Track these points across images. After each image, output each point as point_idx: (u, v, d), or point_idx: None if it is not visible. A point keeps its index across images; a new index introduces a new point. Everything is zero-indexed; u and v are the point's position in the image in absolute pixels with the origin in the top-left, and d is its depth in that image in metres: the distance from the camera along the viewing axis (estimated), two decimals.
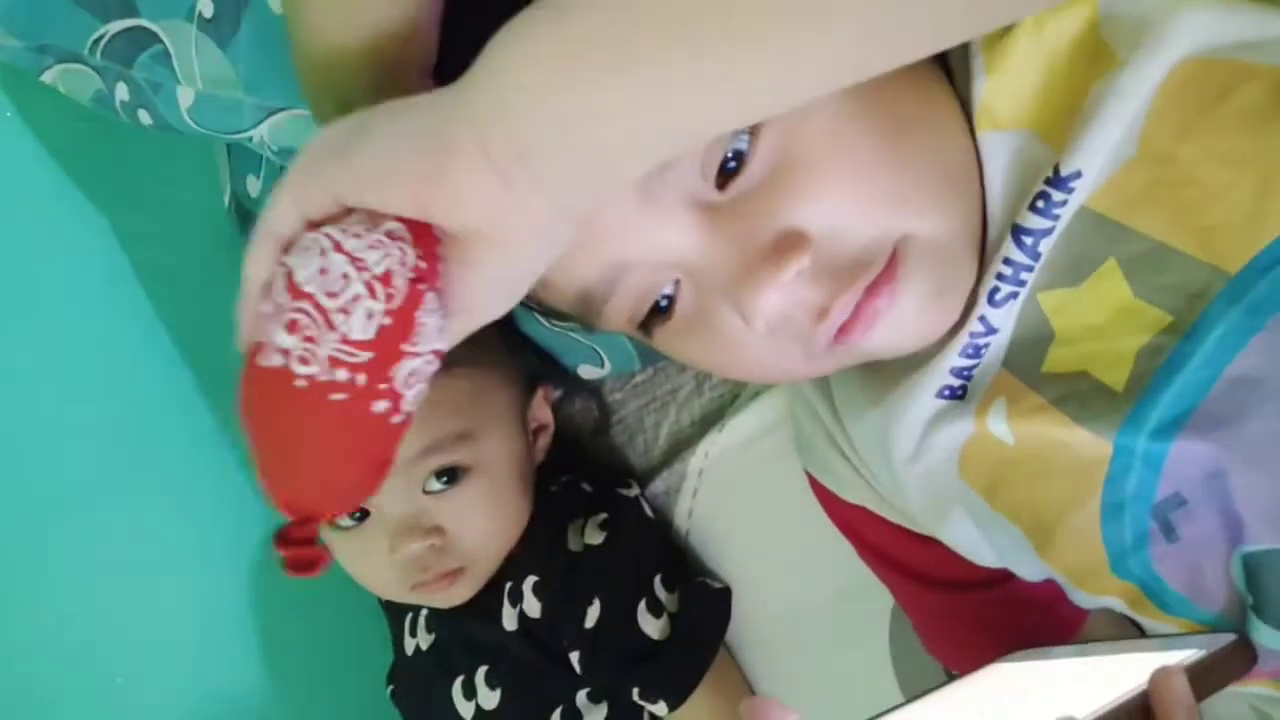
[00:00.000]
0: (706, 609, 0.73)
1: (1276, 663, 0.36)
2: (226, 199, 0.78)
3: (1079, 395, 0.38)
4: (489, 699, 0.73)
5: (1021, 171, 0.38)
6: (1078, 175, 0.36)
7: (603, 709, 0.71)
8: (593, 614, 0.69)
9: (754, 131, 0.35)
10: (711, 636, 0.72)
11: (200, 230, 0.79)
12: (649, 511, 0.75)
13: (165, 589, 0.75)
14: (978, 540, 0.45)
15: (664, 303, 0.40)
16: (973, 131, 0.40)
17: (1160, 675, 0.32)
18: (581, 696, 0.72)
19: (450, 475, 0.67)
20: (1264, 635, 0.36)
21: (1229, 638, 0.35)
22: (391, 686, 0.82)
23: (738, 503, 0.72)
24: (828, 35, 0.27)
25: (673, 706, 0.70)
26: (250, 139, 0.61)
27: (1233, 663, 0.35)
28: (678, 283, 0.39)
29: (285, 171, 0.36)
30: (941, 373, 0.41)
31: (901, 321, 0.38)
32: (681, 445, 0.73)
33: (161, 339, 0.77)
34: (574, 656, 0.70)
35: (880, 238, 0.36)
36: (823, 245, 0.36)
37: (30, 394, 0.69)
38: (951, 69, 0.41)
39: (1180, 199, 0.35)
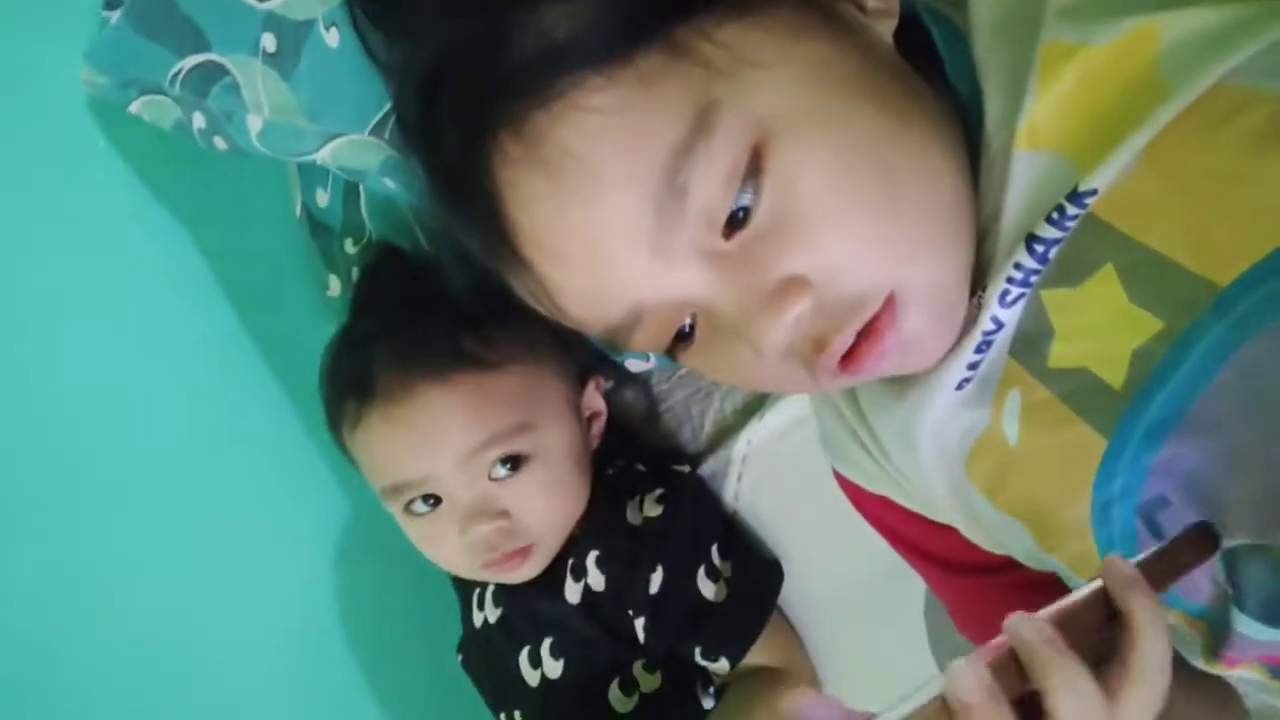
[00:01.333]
0: (759, 573, 0.76)
1: (1258, 650, 0.38)
2: (298, 210, 0.84)
3: (1084, 390, 0.40)
4: (554, 669, 0.78)
5: (1043, 188, 0.39)
6: (1093, 193, 0.38)
7: (657, 678, 0.75)
8: (656, 580, 0.73)
9: (757, 188, 0.38)
10: (766, 597, 0.76)
11: (275, 241, 0.85)
12: (702, 486, 0.79)
13: (256, 580, 0.82)
14: (987, 535, 0.48)
15: (687, 328, 0.43)
16: (973, 154, 0.42)
17: (1109, 560, 0.35)
18: (638, 666, 0.76)
19: (513, 463, 0.72)
20: (1244, 625, 0.37)
21: (1184, 532, 0.37)
22: (461, 656, 0.87)
23: (779, 487, 0.75)
24: None
25: (733, 662, 0.74)
26: (315, 160, 0.66)
27: (1192, 549, 0.36)
28: (694, 315, 0.43)
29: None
30: (959, 368, 0.43)
31: (904, 354, 0.41)
32: (725, 433, 0.77)
33: (245, 344, 0.83)
34: (639, 623, 0.74)
35: (876, 284, 0.39)
36: (821, 289, 0.39)
37: (122, 405, 0.75)
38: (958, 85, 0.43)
39: (1179, 212, 0.36)
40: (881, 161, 0.38)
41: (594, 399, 0.79)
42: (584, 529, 0.77)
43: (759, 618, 0.75)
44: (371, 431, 0.72)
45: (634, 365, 0.79)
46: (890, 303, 0.39)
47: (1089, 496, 0.40)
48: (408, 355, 0.71)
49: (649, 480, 0.79)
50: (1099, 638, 0.35)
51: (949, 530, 0.52)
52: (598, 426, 0.80)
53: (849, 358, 0.40)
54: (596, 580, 0.75)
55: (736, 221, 0.39)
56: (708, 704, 0.75)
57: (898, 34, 0.43)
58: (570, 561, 0.77)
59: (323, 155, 0.65)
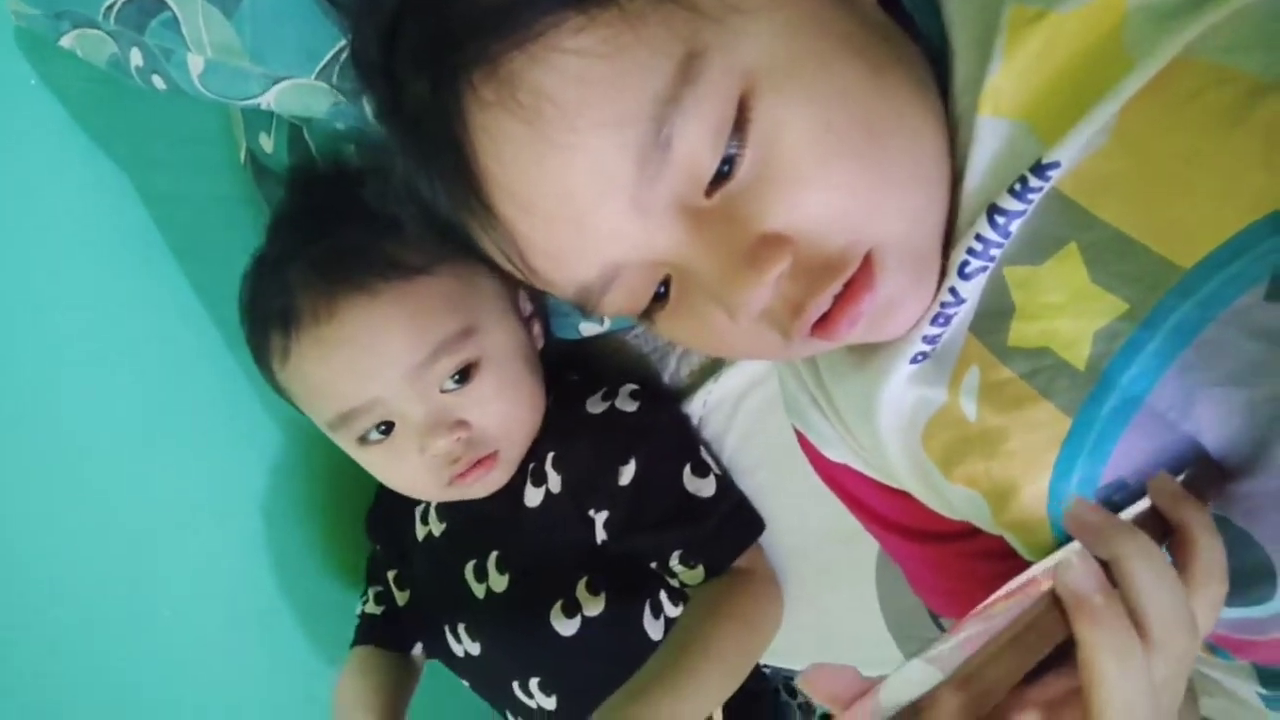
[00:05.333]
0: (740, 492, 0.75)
1: None
2: (243, 155, 0.80)
3: (1046, 370, 0.40)
4: (499, 582, 0.76)
5: (1007, 157, 0.39)
6: (1056, 165, 0.37)
7: (601, 600, 0.74)
8: (627, 473, 0.71)
9: (742, 141, 0.37)
10: (757, 514, 0.74)
11: (218, 186, 0.82)
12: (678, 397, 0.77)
13: (198, 526, 0.80)
14: (944, 503, 0.48)
15: (660, 290, 0.42)
16: (948, 115, 0.41)
17: (1156, 478, 0.35)
18: (581, 586, 0.74)
19: (462, 373, 0.69)
20: None
21: (1193, 467, 0.37)
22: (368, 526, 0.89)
23: (736, 446, 0.75)
24: None
25: (713, 571, 0.72)
26: (260, 105, 0.63)
27: (1205, 482, 0.36)
28: (668, 276, 0.41)
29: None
30: (915, 340, 0.43)
31: (880, 319, 0.40)
32: (682, 394, 0.76)
33: (185, 291, 0.80)
34: (600, 519, 0.72)
35: (855, 243, 0.38)
36: (801, 249, 0.38)
37: (60, 355, 0.72)
38: (939, 43, 0.42)
39: (1144, 191, 0.36)
40: (865, 116, 0.37)
41: (524, 301, 0.76)
42: (543, 432, 0.75)
43: (750, 530, 0.73)
44: (304, 359, 0.68)
45: (587, 329, 0.77)
46: (867, 263, 0.38)
47: (1049, 474, 0.40)
48: (327, 270, 0.66)
49: (617, 380, 0.76)
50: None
51: (906, 497, 0.52)
52: (538, 327, 0.77)
53: (824, 322, 0.39)
54: (554, 482, 0.74)
55: (720, 176, 0.37)
56: (655, 634, 0.74)
57: None
58: (531, 466, 0.75)
59: (268, 99, 0.62)
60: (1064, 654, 0.33)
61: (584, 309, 0.43)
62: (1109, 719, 0.31)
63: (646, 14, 0.36)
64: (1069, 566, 0.33)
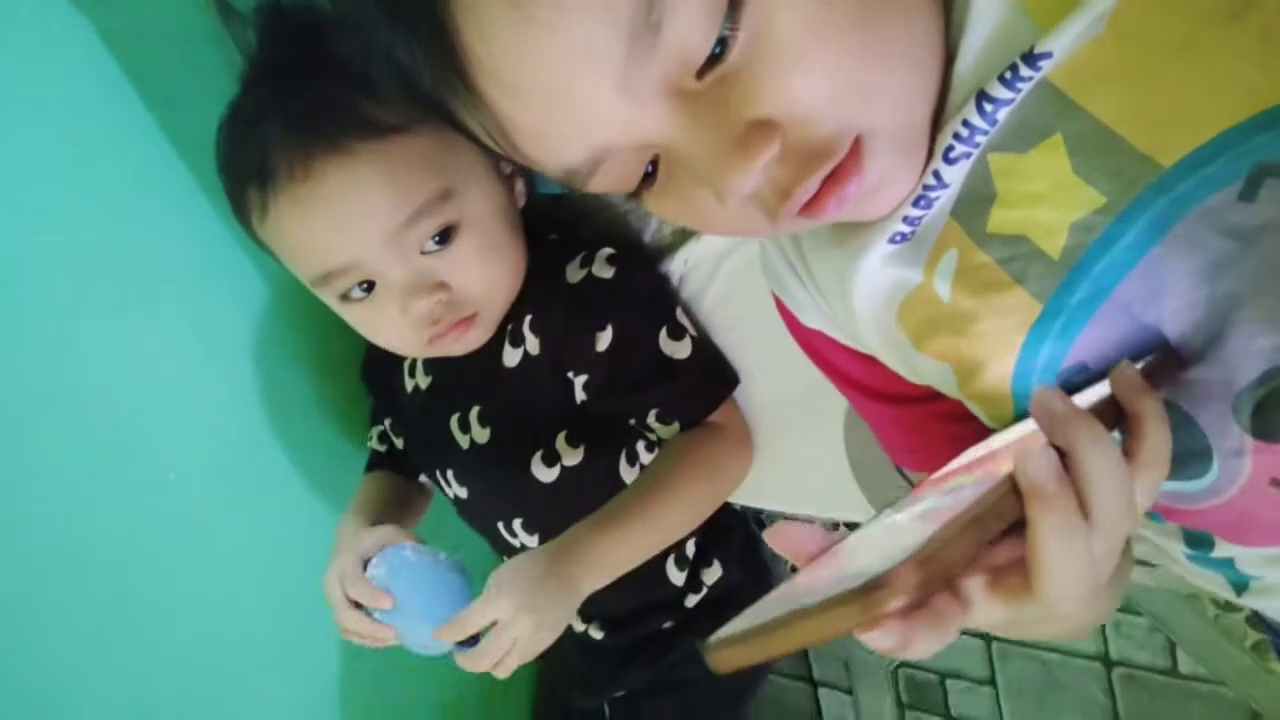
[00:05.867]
0: (716, 348, 0.77)
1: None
2: None
3: (1022, 257, 0.41)
4: (481, 435, 0.79)
5: (1001, 40, 0.39)
6: (1049, 56, 0.37)
7: (580, 451, 0.77)
8: (604, 339, 0.73)
9: (735, 23, 0.36)
10: (726, 363, 0.76)
11: (182, 23, 0.77)
12: (655, 257, 0.77)
13: (190, 382, 0.80)
14: (914, 372, 0.50)
15: (650, 170, 0.42)
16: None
17: (1119, 367, 0.37)
18: (561, 438, 0.77)
19: (443, 234, 0.69)
20: None
21: (1154, 355, 0.39)
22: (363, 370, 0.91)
23: (714, 303, 0.77)
24: None
25: (687, 426, 0.75)
26: None
27: (1164, 371, 0.38)
28: (656, 157, 0.41)
29: None
30: (895, 220, 0.44)
31: (865, 200, 0.41)
32: (664, 252, 0.77)
33: (152, 132, 0.77)
34: (579, 382, 0.75)
35: (845, 128, 0.38)
36: (790, 133, 0.38)
37: (33, 200, 0.70)
38: None
39: (1133, 84, 0.36)
40: None
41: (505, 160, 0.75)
42: (522, 294, 0.75)
43: (725, 385, 0.76)
44: (281, 219, 0.67)
45: None
46: (856, 146, 0.39)
47: (1015, 356, 0.42)
48: (303, 128, 0.65)
49: (595, 244, 0.77)
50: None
51: (875, 362, 0.54)
52: (520, 185, 0.76)
53: (810, 203, 0.40)
54: (533, 345, 0.75)
55: (712, 58, 0.37)
56: (631, 480, 0.77)
57: None
58: (509, 327, 0.76)
59: None
60: (1014, 525, 0.36)
61: (571, 187, 0.43)
62: (1049, 588, 0.34)
63: None
64: (1030, 456, 0.35)
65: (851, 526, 0.78)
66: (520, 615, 0.66)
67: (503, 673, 0.69)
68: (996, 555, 0.36)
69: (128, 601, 0.75)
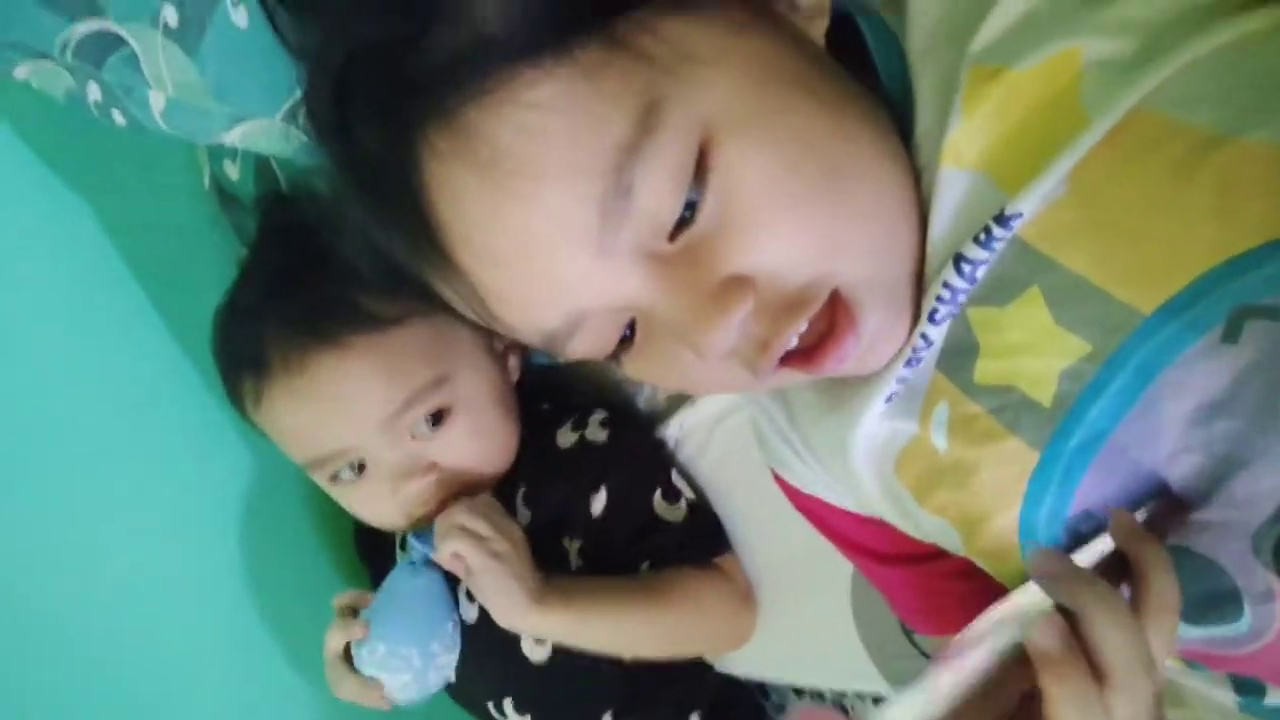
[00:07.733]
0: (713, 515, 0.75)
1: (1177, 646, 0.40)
2: (206, 181, 0.79)
3: (1012, 407, 0.41)
4: (470, 612, 0.76)
5: (970, 206, 0.40)
6: (1019, 216, 0.38)
7: None
8: (598, 502, 0.72)
9: (702, 187, 0.37)
10: (725, 536, 0.74)
11: (182, 212, 0.80)
12: (648, 420, 0.77)
13: (171, 547, 0.79)
14: (917, 529, 0.49)
15: (628, 333, 0.42)
16: (914, 166, 0.41)
17: (1115, 514, 0.37)
18: None
19: (435, 418, 0.69)
20: None
21: (1155, 501, 0.38)
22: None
23: (710, 469, 0.76)
24: None
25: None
26: (224, 144, 0.62)
27: (1167, 518, 0.38)
28: (634, 319, 0.42)
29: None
30: (889, 381, 0.44)
31: (865, 355, 0.41)
32: (659, 418, 0.77)
33: (151, 318, 0.78)
34: (573, 549, 0.73)
35: (819, 279, 0.39)
36: (764, 288, 0.38)
37: (29, 384, 0.70)
38: (900, 99, 0.42)
39: (1101, 240, 0.37)
40: (824, 157, 0.38)
41: (499, 338, 0.75)
42: (514, 465, 0.75)
43: (719, 542, 0.74)
44: (275, 407, 0.69)
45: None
46: (843, 302, 0.39)
47: (1018, 506, 0.42)
48: (299, 323, 0.67)
49: (587, 408, 0.77)
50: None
51: (878, 524, 0.53)
52: (514, 360, 0.77)
53: (811, 358, 0.40)
54: (524, 518, 0.74)
55: (682, 222, 0.38)
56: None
57: (828, 36, 0.43)
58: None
59: (232, 138, 0.61)
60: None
61: (551, 353, 0.44)
62: None
63: (602, 67, 0.36)
64: (1035, 625, 0.35)
65: (862, 698, 0.75)
66: (476, 551, 0.66)
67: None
68: None
69: None
